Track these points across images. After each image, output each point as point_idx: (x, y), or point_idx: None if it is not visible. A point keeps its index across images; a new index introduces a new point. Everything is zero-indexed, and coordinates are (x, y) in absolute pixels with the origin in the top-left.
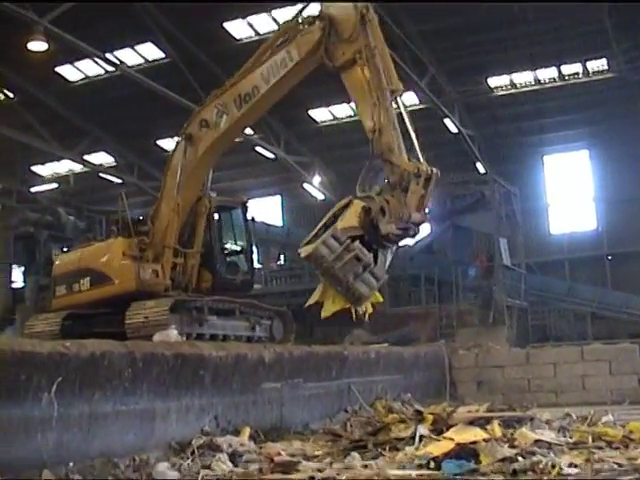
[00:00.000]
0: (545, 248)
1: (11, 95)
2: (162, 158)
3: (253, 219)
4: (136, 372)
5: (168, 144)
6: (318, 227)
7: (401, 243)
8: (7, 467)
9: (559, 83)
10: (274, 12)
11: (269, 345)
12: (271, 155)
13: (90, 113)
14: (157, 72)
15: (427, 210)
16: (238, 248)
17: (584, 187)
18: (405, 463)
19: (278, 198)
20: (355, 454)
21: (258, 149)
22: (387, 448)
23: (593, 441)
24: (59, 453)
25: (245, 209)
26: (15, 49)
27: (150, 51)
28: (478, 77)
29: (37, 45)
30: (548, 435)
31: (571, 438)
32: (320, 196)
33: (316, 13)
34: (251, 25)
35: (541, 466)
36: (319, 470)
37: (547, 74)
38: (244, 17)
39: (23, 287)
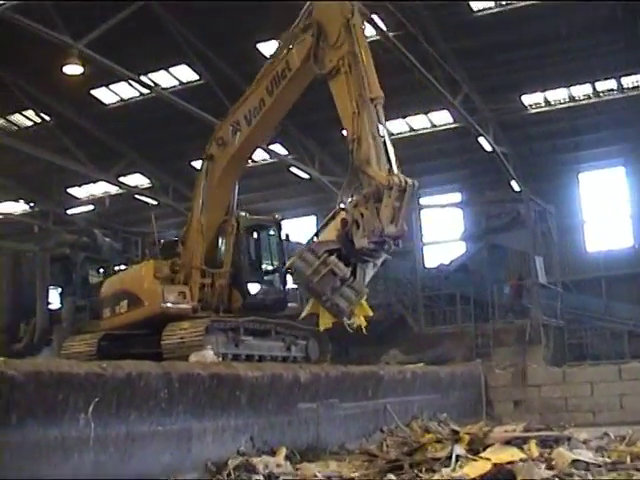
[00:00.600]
0: (581, 266)
1: (47, 118)
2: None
3: (287, 238)
4: (172, 392)
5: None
6: (309, 239)
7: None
8: None
9: (594, 100)
10: None
11: (305, 365)
12: (306, 175)
13: (125, 135)
14: (191, 94)
15: (405, 223)
16: (270, 267)
17: (620, 204)
18: None
19: (313, 218)
20: (391, 476)
21: (293, 169)
22: (423, 469)
23: (631, 461)
24: (96, 473)
25: (278, 228)
26: (51, 73)
27: (184, 73)
28: (512, 95)
29: (72, 68)
30: (586, 455)
31: (609, 458)
32: None
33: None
34: None
35: None
36: None
37: (581, 91)
38: (277, 38)
39: (60, 308)
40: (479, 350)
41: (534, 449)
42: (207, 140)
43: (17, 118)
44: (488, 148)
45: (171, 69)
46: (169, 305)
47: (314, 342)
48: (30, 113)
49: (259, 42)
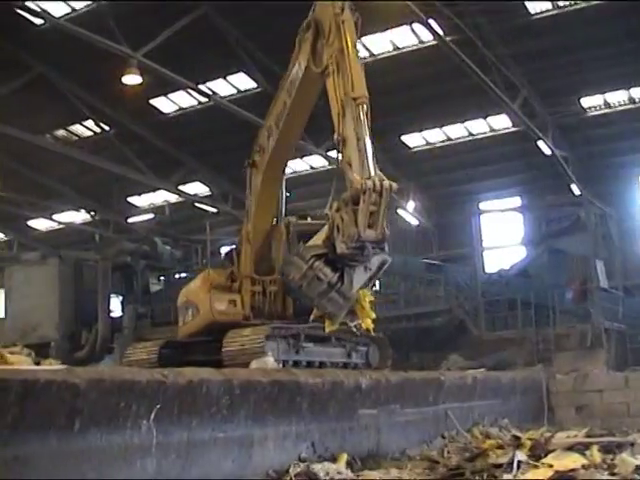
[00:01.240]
0: None
1: (107, 128)
2: None
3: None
4: (233, 399)
5: None
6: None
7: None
8: None
9: None
10: (364, 39)
11: (366, 371)
12: None
13: (184, 144)
14: (249, 101)
15: (385, 227)
16: None
17: None
18: None
19: None
20: None
21: None
22: (485, 475)
23: None
24: None
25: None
26: (110, 83)
27: (242, 81)
28: (571, 97)
29: (131, 78)
30: None
31: None
32: (415, 222)
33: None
34: None
35: None
36: None
37: None
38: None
39: (121, 316)
40: (540, 355)
41: (596, 455)
42: None
43: (77, 128)
44: (547, 152)
45: (229, 77)
46: (219, 314)
47: (375, 348)
48: (90, 123)
49: None
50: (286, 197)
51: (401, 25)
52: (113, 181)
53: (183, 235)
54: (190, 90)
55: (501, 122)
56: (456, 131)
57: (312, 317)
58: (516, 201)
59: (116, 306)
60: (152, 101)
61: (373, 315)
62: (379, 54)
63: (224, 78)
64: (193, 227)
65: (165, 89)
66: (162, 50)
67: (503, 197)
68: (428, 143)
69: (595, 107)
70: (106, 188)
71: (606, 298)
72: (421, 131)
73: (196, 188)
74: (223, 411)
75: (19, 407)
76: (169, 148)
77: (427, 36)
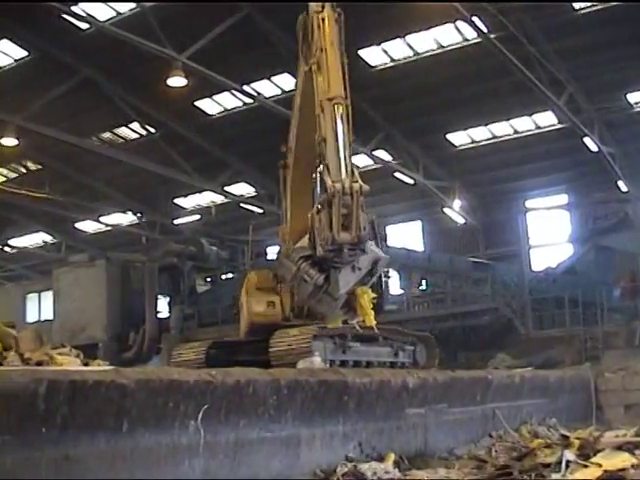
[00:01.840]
0: None
1: (153, 130)
2: None
3: (384, 237)
4: (281, 399)
5: None
6: None
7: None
8: None
9: None
10: (408, 37)
11: (413, 371)
12: (410, 180)
13: (230, 145)
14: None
15: (359, 229)
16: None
17: None
18: None
19: (419, 223)
20: None
21: (397, 175)
22: (533, 475)
23: None
24: None
25: (372, 229)
26: (155, 85)
27: (286, 81)
28: (617, 93)
29: (176, 81)
30: None
31: None
32: (461, 220)
33: None
34: (386, 52)
35: None
36: None
37: None
38: (378, 44)
39: (168, 317)
40: (588, 353)
41: None
42: None
43: (123, 131)
44: (594, 148)
45: (273, 78)
46: (256, 315)
47: (422, 347)
48: (136, 126)
49: (360, 49)
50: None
51: (445, 23)
52: (159, 183)
53: (229, 236)
54: (235, 91)
55: (547, 119)
56: (501, 129)
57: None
58: (563, 198)
59: (163, 307)
60: (197, 103)
61: (371, 312)
62: (423, 52)
63: (268, 79)
64: (239, 228)
65: (210, 91)
66: (206, 52)
67: (549, 194)
68: (473, 141)
69: None
70: (152, 190)
71: None
72: (466, 129)
73: (242, 189)
74: (270, 411)
75: (68, 407)
76: (214, 149)
77: (471, 34)
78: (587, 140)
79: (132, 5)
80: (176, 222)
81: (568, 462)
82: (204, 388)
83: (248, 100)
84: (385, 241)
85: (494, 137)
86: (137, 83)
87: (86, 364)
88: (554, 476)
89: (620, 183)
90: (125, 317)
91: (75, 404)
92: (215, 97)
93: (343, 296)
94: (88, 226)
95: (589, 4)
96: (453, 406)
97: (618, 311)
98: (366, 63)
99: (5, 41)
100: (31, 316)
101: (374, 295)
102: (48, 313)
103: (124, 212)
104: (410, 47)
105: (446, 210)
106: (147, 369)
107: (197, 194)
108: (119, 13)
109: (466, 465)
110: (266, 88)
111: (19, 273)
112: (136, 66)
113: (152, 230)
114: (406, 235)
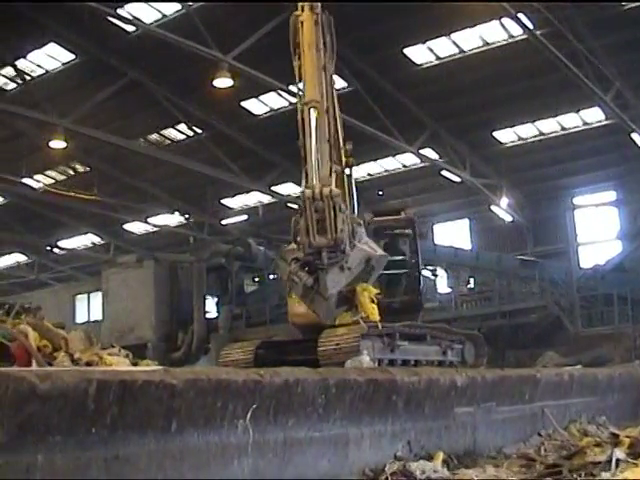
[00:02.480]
0: None
1: (199, 131)
2: None
3: (422, 235)
4: (329, 398)
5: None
6: None
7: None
8: None
9: None
10: (454, 35)
11: (461, 369)
12: (457, 179)
13: (276, 145)
14: (340, 101)
15: (334, 233)
16: (402, 269)
17: None
18: None
19: (466, 221)
20: None
21: (444, 173)
22: (583, 473)
23: None
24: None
25: (412, 226)
26: (201, 86)
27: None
28: None
29: (222, 82)
30: None
31: None
32: (508, 218)
33: None
34: (431, 50)
35: None
36: None
37: None
38: (424, 42)
39: (216, 317)
40: (638, 351)
41: None
42: (360, 146)
43: (170, 132)
44: None
45: None
46: (296, 316)
47: (470, 346)
48: (182, 127)
49: (406, 47)
50: (378, 195)
51: (490, 20)
52: (207, 183)
53: (276, 236)
54: (281, 91)
55: (594, 115)
56: (548, 126)
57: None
58: (611, 195)
59: (211, 307)
60: (243, 103)
61: (371, 308)
62: (469, 50)
63: None
64: (286, 227)
65: (256, 91)
66: (252, 52)
67: (597, 191)
68: (520, 138)
69: None
70: (199, 190)
71: None
72: (513, 126)
73: (289, 188)
74: (319, 410)
75: (118, 407)
76: (261, 149)
77: (517, 30)
78: (635, 136)
79: (177, 7)
80: (223, 222)
81: (618, 460)
82: (253, 388)
83: (294, 100)
84: (424, 239)
85: (541, 134)
86: (183, 84)
87: (135, 364)
88: (604, 475)
89: None
90: (173, 317)
91: (124, 404)
92: (261, 97)
93: (334, 295)
94: (136, 227)
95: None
96: (502, 405)
97: None
98: (412, 62)
99: (52, 45)
100: (80, 317)
101: (407, 295)
102: (97, 314)
103: (171, 213)
104: (456, 45)
105: (493, 208)
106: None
107: (244, 194)
108: (164, 15)
109: (515, 464)
110: None
111: (68, 274)
112: (182, 67)
113: (200, 230)
114: (454, 233)
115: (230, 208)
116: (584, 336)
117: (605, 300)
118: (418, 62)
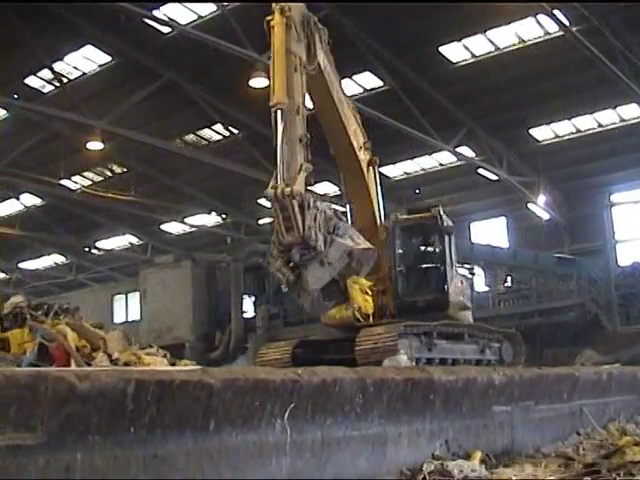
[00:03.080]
0: None
1: (236, 131)
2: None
3: (450, 232)
4: (367, 397)
5: (389, 170)
6: None
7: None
8: None
9: None
10: (489, 33)
11: (499, 368)
12: (494, 176)
13: (312, 145)
14: (376, 100)
15: (301, 230)
16: (430, 266)
17: None
18: None
19: (503, 219)
20: None
21: (481, 171)
22: (622, 473)
23: None
24: (292, 479)
25: (440, 223)
26: (237, 87)
27: (368, 80)
28: None
29: (258, 81)
30: None
31: None
32: (545, 216)
33: None
34: (467, 47)
35: None
36: None
37: None
38: (459, 40)
39: (254, 317)
40: None
41: None
42: (395, 145)
43: (206, 133)
44: None
45: (355, 77)
46: (328, 317)
47: (508, 344)
48: (219, 127)
49: (441, 45)
50: (415, 193)
51: (526, 17)
52: (243, 184)
53: None
54: None
55: (631, 111)
56: (585, 122)
57: None
58: None
59: (249, 307)
60: None
61: (364, 300)
62: (504, 48)
63: (350, 77)
64: None
65: None
66: None
67: (635, 188)
68: (557, 136)
69: None
70: (236, 191)
71: None
72: (549, 124)
73: (325, 188)
74: (357, 409)
75: (156, 407)
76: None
77: (553, 27)
78: None
79: (213, 7)
80: (260, 222)
81: None
82: (290, 387)
83: None
84: (450, 235)
85: (578, 131)
86: (219, 85)
87: (173, 364)
88: None
89: None
90: (211, 317)
91: (163, 404)
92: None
93: (314, 290)
94: (173, 227)
95: None
96: (540, 403)
97: None
98: (447, 60)
99: (89, 47)
100: (118, 317)
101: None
102: (135, 314)
103: (208, 213)
104: (491, 42)
105: (530, 206)
106: (233, 368)
107: None
108: (200, 16)
109: (553, 463)
110: (348, 87)
111: (106, 275)
112: (218, 68)
113: (237, 230)
114: (491, 232)
115: (267, 208)
116: (622, 334)
117: None
118: (454, 60)
